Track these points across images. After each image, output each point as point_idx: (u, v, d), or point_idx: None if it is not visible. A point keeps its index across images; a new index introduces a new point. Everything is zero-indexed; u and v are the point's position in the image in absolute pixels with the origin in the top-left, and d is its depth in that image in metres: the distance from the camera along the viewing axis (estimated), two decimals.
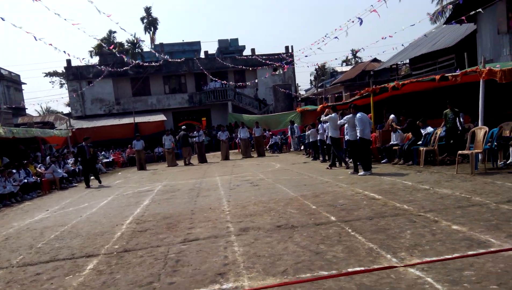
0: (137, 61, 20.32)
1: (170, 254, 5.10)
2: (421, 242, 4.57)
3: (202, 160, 19.72)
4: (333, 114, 12.07)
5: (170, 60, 23.64)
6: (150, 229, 6.58)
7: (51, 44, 14.15)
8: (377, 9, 12.81)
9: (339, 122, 11.00)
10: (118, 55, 21.05)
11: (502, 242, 4.30)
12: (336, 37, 14.21)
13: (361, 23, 12.58)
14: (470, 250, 4.18)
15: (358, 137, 10.26)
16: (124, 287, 4.16)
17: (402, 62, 28.62)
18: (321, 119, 13.21)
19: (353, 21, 14.28)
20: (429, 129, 11.41)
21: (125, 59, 23.27)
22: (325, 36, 15.73)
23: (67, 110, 40.51)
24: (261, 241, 5.26)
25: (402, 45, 24.40)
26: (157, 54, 20.69)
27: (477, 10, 11.91)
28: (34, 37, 12.99)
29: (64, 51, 14.82)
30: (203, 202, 8.58)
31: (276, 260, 4.45)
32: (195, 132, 20.28)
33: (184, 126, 22.30)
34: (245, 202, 8.05)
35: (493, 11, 15.90)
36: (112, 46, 19.49)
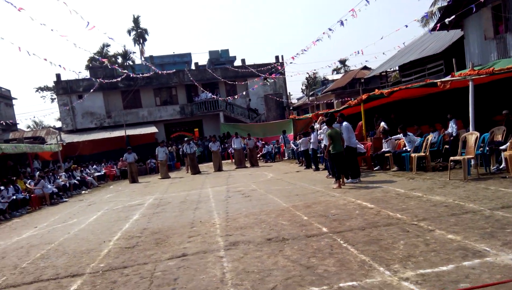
0: (125, 72, 20.12)
1: (156, 272, 4.93)
2: (415, 253, 4.44)
3: (195, 171, 19.52)
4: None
5: (160, 72, 23.51)
6: (138, 245, 6.40)
7: (45, 59, 13.95)
8: (361, 12, 12.77)
9: (319, 131, 10.79)
10: (110, 67, 20.82)
11: (497, 251, 4.18)
12: (319, 40, 14.06)
13: (342, 24, 12.47)
14: (465, 260, 4.06)
15: (344, 146, 10.10)
16: None
17: (391, 69, 28.72)
18: (314, 126, 13.03)
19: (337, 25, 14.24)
20: (412, 136, 11.35)
21: (116, 71, 23.12)
22: (316, 40, 15.53)
23: (58, 124, 40.18)
24: (250, 255, 5.10)
25: (384, 53, 24.64)
26: (149, 65, 20.49)
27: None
28: (27, 52, 12.87)
29: (60, 65, 14.60)
30: (193, 216, 8.42)
31: (266, 276, 4.30)
32: (185, 145, 20.13)
33: (187, 138, 22.58)
34: (236, 214, 7.90)
35: (479, 18, 16.03)
36: (106, 60, 19.30)
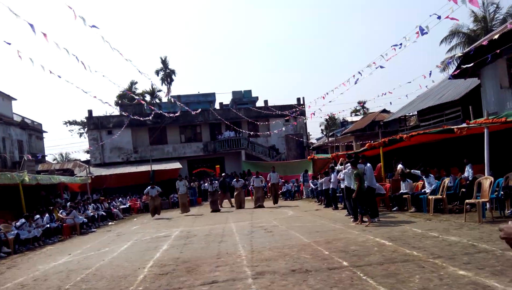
0: (154, 111, 21.43)
1: None
2: (429, 286, 4.86)
3: (215, 208, 19.20)
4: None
5: (188, 110, 24.59)
6: (170, 273, 6.92)
7: (95, 97, 15.34)
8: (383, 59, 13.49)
9: (343, 171, 11.34)
10: (146, 107, 22.03)
11: (505, 286, 4.57)
12: (356, 81, 14.77)
13: (381, 67, 13.26)
14: None
15: (366, 186, 10.60)
16: None
17: (410, 114, 29.29)
18: (337, 168, 13.43)
19: (360, 72, 15.09)
20: (432, 179, 11.78)
21: (145, 109, 24.34)
22: (335, 88, 16.44)
23: (84, 157, 41.67)
24: (277, 284, 5.58)
25: (406, 96, 25.51)
26: (178, 103, 21.57)
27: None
28: (83, 90, 14.09)
29: (107, 102, 16.05)
30: (220, 247, 8.91)
31: None
32: (207, 183, 20.66)
33: (224, 173, 23.07)
34: (260, 248, 8.37)
35: (495, 68, 16.64)
36: (141, 100, 20.78)
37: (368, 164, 10.93)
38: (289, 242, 8.78)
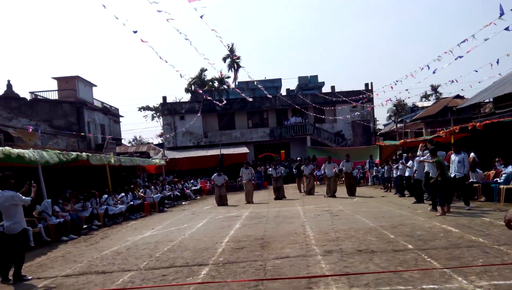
0: (223, 101, 22.46)
1: (267, 266, 6.13)
2: (491, 269, 5.14)
3: (279, 195, 18.15)
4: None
5: (276, 96, 25.12)
6: (246, 247, 7.68)
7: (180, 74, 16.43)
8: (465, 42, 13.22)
9: (422, 158, 11.36)
10: (208, 98, 23.06)
11: None
12: (435, 71, 14.63)
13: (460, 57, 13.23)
14: None
15: (463, 174, 10.78)
16: (236, 287, 5.26)
17: (485, 100, 27.72)
18: (417, 155, 13.05)
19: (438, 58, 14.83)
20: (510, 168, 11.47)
21: (214, 95, 25.38)
22: (405, 76, 16.32)
23: (156, 141, 44.23)
24: (344, 260, 6.10)
25: (479, 82, 24.23)
26: (243, 94, 22.47)
27: None
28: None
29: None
30: (289, 228, 9.55)
31: (359, 276, 5.29)
32: (271, 168, 19.65)
33: (299, 157, 23.31)
34: (327, 229, 8.90)
35: None
36: (206, 87, 21.64)
37: (463, 153, 11.02)
38: (355, 225, 9.21)
